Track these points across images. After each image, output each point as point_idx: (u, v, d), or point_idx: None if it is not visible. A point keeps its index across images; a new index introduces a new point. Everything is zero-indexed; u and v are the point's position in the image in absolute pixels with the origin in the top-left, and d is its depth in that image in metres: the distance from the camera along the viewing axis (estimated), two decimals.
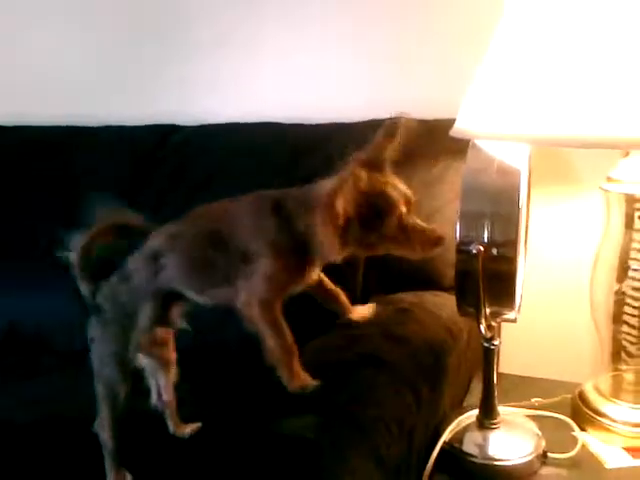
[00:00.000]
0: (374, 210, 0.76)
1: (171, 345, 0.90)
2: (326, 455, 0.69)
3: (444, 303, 1.04)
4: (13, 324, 1.33)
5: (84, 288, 0.87)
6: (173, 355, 0.90)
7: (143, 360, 0.89)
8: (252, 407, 0.80)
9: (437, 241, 0.79)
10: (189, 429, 0.89)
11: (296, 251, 0.80)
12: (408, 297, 1.08)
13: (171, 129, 1.44)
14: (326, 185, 0.76)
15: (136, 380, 0.87)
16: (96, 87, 1.58)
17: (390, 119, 0.79)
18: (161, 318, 0.86)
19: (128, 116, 1.49)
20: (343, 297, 0.90)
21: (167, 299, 0.85)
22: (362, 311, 0.93)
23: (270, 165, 1.22)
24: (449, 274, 0.93)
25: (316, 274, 0.85)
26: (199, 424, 0.89)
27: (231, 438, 0.74)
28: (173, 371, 0.90)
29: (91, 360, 0.86)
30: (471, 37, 1.05)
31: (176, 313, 0.87)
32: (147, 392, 0.90)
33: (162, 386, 0.90)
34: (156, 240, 0.85)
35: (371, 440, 0.74)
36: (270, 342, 0.79)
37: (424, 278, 1.12)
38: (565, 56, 0.76)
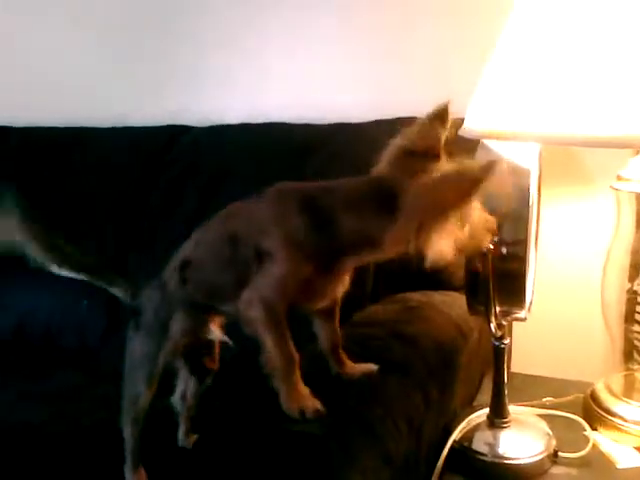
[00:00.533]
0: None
1: (214, 355, 0.85)
2: (335, 453, 0.69)
3: (454, 302, 1.04)
4: (22, 322, 1.34)
5: (118, 291, 0.85)
6: (213, 365, 0.86)
7: (181, 364, 0.86)
8: (262, 406, 0.79)
9: (493, 232, 0.75)
10: (193, 440, 0.88)
11: (324, 253, 0.72)
12: (417, 296, 1.08)
13: (180, 130, 1.45)
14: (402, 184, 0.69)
15: (164, 377, 0.84)
16: (103, 87, 1.59)
17: (440, 104, 0.74)
18: (197, 329, 0.82)
19: (135, 116, 1.50)
20: (340, 348, 0.83)
21: (200, 310, 0.81)
22: (358, 367, 0.83)
23: (279, 165, 1.22)
24: (458, 274, 0.93)
25: (339, 290, 0.77)
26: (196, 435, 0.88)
27: (241, 436, 0.74)
28: (207, 381, 0.86)
29: (124, 359, 0.83)
30: (478, 36, 1.05)
31: (215, 324, 0.82)
32: (171, 389, 0.88)
33: (190, 392, 0.87)
34: (186, 247, 0.82)
35: (380, 438, 0.74)
36: (270, 348, 0.73)
37: (433, 278, 1.12)
38: (575, 54, 0.75)
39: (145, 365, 0.81)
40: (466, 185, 0.67)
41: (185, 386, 0.87)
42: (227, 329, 0.84)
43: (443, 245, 0.68)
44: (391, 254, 0.72)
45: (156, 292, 0.82)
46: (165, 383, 0.85)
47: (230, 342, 0.82)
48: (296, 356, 0.74)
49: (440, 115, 0.75)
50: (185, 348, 0.83)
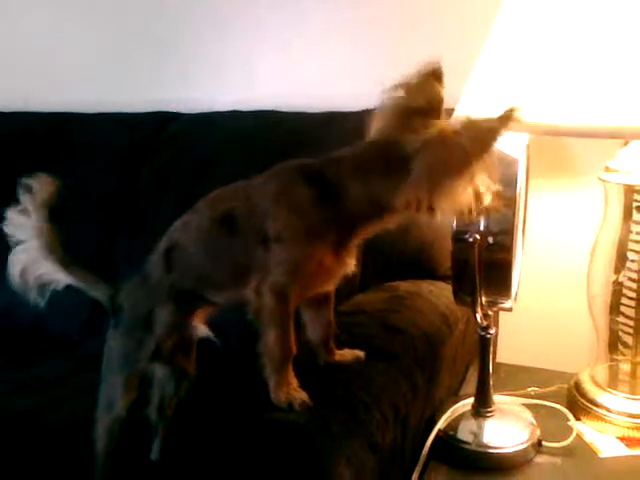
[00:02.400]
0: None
1: (192, 355, 0.80)
2: (321, 440, 0.69)
3: (441, 292, 1.05)
4: (9, 310, 1.33)
5: (97, 294, 0.79)
6: (191, 367, 0.81)
7: (158, 369, 0.81)
8: (246, 397, 0.78)
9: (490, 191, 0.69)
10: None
11: (334, 225, 0.70)
12: (405, 285, 1.08)
13: (170, 116, 1.44)
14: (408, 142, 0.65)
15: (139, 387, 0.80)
16: (93, 74, 1.58)
17: (431, 62, 0.71)
18: (181, 324, 0.76)
19: (127, 102, 1.49)
20: (332, 338, 0.81)
21: (186, 301, 0.76)
22: (346, 354, 0.82)
23: (269, 153, 1.21)
24: (446, 263, 0.93)
25: (347, 270, 0.75)
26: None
27: (224, 427, 0.73)
28: (184, 385, 0.81)
29: (101, 364, 0.79)
30: (471, 28, 1.05)
31: (199, 319, 0.78)
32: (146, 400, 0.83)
33: (167, 399, 0.82)
34: (171, 231, 0.77)
35: (365, 426, 0.73)
36: (271, 339, 0.71)
37: (421, 267, 1.13)
38: (564, 45, 0.76)
39: (123, 367, 0.77)
40: (482, 137, 0.63)
41: (161, 395, 0.82)
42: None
43: (454, 203, 0.65)
44: (402, 218, 0.70)
45: (137, 286, 0.77)
46: (140, 394, 0.80)
47: (215, 339, 0.79)
48: (294, 350, 0.73)
49: (435, 72, 0.72)
50: (167, 351, 0.77)
